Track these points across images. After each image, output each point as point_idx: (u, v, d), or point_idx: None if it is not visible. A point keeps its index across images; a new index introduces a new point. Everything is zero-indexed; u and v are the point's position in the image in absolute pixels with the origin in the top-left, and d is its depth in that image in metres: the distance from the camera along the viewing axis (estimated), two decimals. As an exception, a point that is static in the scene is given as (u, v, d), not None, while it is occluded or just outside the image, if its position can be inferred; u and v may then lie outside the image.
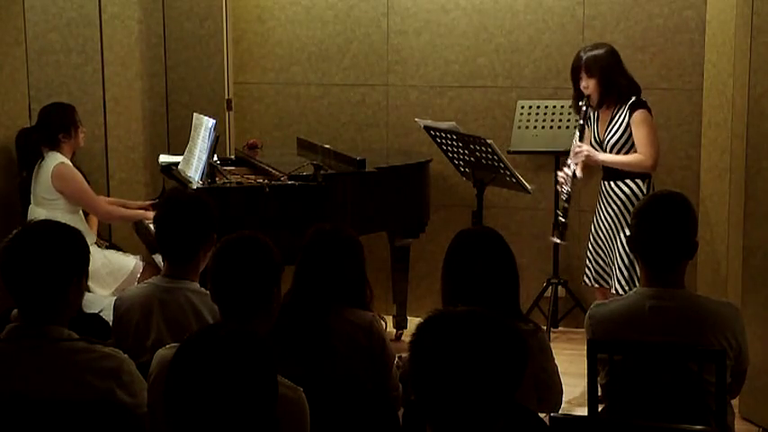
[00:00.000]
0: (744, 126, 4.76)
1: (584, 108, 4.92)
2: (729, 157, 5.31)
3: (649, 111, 4.83)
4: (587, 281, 5.09)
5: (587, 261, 5.08)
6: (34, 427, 2.59)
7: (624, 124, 4.80)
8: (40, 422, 2.59)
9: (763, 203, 4.58)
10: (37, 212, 5.11)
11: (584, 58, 4.86)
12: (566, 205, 5.02)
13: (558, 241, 5.04)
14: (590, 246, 5.06)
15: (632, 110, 4.79)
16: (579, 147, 4.93)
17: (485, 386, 1.90)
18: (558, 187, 5.10)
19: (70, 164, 5.22)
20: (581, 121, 4.97)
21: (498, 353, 1.92)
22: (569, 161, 5.00)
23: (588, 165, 5.01)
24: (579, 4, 5.95)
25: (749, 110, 4.66)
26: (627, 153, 4.83)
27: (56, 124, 5.23)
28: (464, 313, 1.99)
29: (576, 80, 4.93)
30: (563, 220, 5.02)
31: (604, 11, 5.92)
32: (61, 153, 5.21)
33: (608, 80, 4.83)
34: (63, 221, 4.79)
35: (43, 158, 5.18)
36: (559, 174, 5.09)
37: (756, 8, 4.59)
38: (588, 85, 4.86)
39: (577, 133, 5.01)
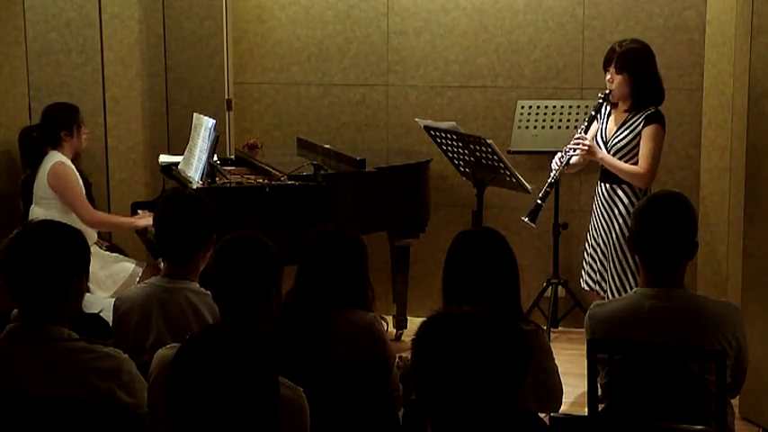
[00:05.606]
0: (744, 126, 4.76)
1: (600, 100, 4.79)
2: (729, 157, 5.31)
3: (663, 126, 4.70)
4: (582, 284, 5.01)
5: (584, 263, 4.99)
6: (34, 428, 2.59)
7: (635, 133, 4.68)
8: (39, 422, 2.59)
9: (763, 203, 4.57)
10: (36, 212, 5.11)
11: (619, 51, 4.72)
12: (547, 189, 4.88)
13: (527, 220, 4.91)
14: (587, 247, 4.98)
15: (648, 122, 4.66)
16: (584, 138, 4.79)
17: (487, 386, 1.91)
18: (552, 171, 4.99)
19: (69, 164, 5.21)
20: (593, 112, 4.83)
21: (501, 353, 1.93)
22: (568, 147, 4.84)
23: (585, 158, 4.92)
24: (579, 4, 5.95)
25: (749, 110, 4.66)
26: (628, 161, 4.70)
27: (59, 122, 5.23)
28: (467, 313, 1.99)
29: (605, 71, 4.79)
30: (539, 201, 4.86)
31: (604, 11, 5.91)
32: (62, 153, 5.21)
33: (636, 80, 4.69)
34: (60, 221, 4.86)
35: (45, 157, 5.18)
36: (555, 158, 4.96)
37: (756, 8, 4.58)
38: (614, 79, 4.72)
39: (585, 124, 4.87)
